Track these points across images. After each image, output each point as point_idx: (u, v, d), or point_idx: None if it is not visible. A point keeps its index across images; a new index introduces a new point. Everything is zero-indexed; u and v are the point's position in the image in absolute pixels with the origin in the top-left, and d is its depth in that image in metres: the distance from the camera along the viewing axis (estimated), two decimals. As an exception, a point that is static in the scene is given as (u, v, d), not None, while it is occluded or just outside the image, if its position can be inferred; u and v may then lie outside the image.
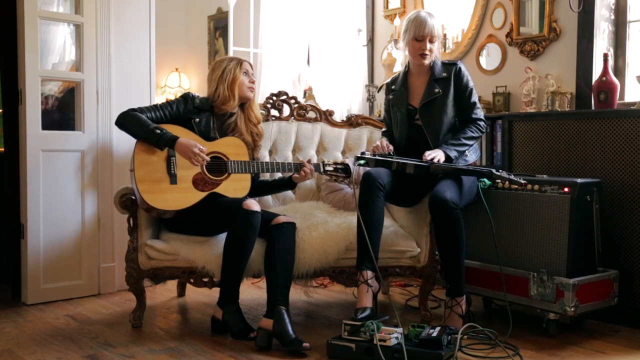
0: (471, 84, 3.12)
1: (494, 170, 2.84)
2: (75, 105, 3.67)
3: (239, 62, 3.13)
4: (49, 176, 3.52)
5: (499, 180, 2.91)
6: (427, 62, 3.08)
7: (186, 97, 3.11)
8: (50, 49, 3.76)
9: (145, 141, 2.90)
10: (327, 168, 3.08)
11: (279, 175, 3.46)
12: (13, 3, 3.49)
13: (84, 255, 3.66)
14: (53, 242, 3.54)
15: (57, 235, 3.56)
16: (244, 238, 2.82)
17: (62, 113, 3.75)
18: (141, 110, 2.98)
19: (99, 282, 3.71)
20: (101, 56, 3.68)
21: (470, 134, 3.05)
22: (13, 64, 3.51)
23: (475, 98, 3.11)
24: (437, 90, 3.05)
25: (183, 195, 2.90)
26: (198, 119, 3.06)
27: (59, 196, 3.56)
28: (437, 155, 2.91)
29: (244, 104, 3.21)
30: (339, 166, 3.09)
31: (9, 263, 3.69)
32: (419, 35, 3.04)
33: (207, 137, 3.07)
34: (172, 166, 2.92)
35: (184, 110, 3.07)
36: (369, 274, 2.83)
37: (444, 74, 3.08)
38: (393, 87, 3.23)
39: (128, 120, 2.93)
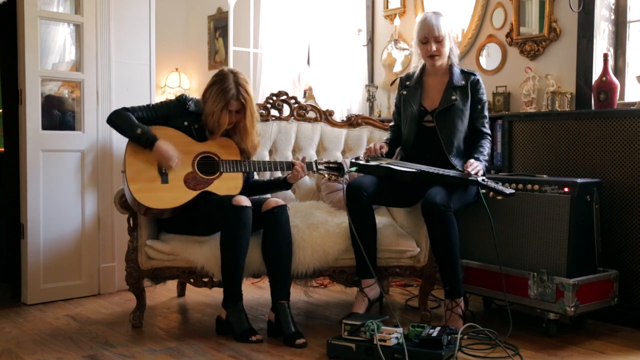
0: (485, 97, 3.12)
1: (480, 180, 2.78)
2: (75, 105, 3.67)
3: (226, 103, 2.95)
4: (49, 176, 3.52)
5: (484, 190, 2.86)
6: (438, 63, 3.06)
7: (180, 100, 3.09)
8: (50, 49, 3.76)
9: (131, 140, 2.93)
10: (320, 167, 3.06)
11: (277, 174, 3.47)
12: (13, 3, 3.49)
13: (84, 255, 3.65)
14: (53, 242, 3.54)
15: (57, 235, 3.56)
16: (237, 235, 2.81)
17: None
18: (133, 109, 2.99)
19: (99, 282, 3.71)
20: (101, 56, 3.68)
21: (487, 150, 3.04)
22: (13, 64, 3.51)
23: (487, 112, 3.11)
24: (454, 97, 3.04)
25: (175, 194, 2.90)
26: (197, 125, 3.04)
27: (59, 196, 3.56)
28: (479, 166, 2.87)
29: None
30: (331, 165, 3.09)
31: (9, 263, 3.69)
32: (423, 38, 3.04)
33: (202, 139, 3.06)
34: (163, 166, 2.93)
35: (177, 112, 3.05)
36: (367, 282, 2.96)
37: (462, 82, 3.07)
38: (408, 83, 3.21)
39: (117, 119, 2.96)
